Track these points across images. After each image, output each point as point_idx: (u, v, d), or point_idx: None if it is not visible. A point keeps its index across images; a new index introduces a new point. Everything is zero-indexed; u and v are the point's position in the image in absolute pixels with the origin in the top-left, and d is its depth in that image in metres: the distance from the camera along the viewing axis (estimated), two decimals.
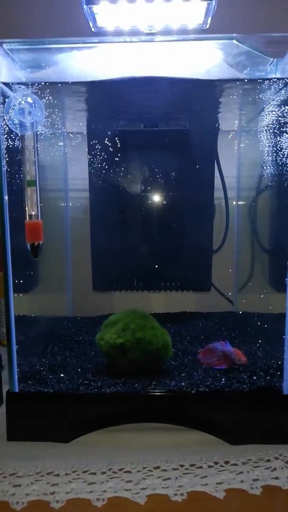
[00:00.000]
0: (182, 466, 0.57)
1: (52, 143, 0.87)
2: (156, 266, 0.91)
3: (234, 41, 0.55)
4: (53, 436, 0.62)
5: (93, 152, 0.84)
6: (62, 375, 0.68)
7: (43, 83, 0.59)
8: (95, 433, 0.63)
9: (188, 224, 0.91)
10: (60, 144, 0.90)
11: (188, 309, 1.03)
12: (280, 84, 0.61)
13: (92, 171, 0.86)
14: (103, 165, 0.85)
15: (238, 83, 0.60)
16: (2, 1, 1.01)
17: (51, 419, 0.62)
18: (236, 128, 0.95)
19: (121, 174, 0.86)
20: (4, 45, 0.57)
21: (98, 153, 0.83)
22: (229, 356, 0.70)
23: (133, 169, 0.86)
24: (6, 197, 0.59)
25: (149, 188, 0.89)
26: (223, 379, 0.65)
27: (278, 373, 0.65)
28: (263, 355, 0.74)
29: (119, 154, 0.83)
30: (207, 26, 0.79)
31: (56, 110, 0.68)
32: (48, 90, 0.60)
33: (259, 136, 0.76)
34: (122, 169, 0.86)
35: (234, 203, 1.01)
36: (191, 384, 0.64)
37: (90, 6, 0.73)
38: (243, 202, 1.01)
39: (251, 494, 0.52)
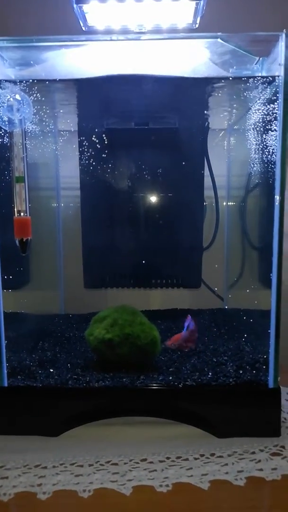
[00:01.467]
0: (168, 458, 0.57)
1: (43, 141, 0.87)
2: (147, 264, 0.92)
3: (219, 40, 0.56)
4: (42, 430, 0.63)
5: (83, 150, 0.84)
6: (51, 370, 0.68)
7: (31, 81, 0.59)
8: (83, 426, 0.64)
9: (179, 222, 0.91)
10: (51, 142, 0.90)
11: (179, 306, 1.04)
12: (265, 83, 0.61)
13: (83, 168, 0.87)
14: (94, 163, 0.85)
15: (223, 81, 0.61)
16: None
17: (40, 413, 0.63)
18: (226, 127, 0.96)
19: (112, 172, 0.87)
20: None
21: (89, 151, 0.84)
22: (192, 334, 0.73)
23: (123, 167, 0.87)
24: None
25: (139, 186, 0.89)
26: (210, 373, 0.66)
27: (264, 367, 0.66)
28: (250, 349, 0.75)
29: (109, 152, 0.84)
30: (196, 26, 0.80)
31: (45, 107, 0.68)
32: (36, 88, 0.60)
33: (247, 134, 0.77)
34: (113, 167, 0.86)
35: (224, 203, 1.02)
36: (179, 378, 0.64)
37: (80, 5, 0.74)
38: (233, 203, 1.02)
39: (235, 485, 0.53)
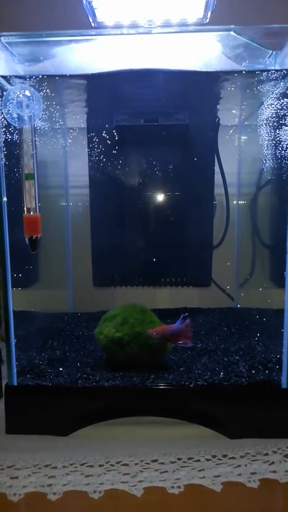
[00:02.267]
0: (179, 459, 0.57)
1: (52, 138, 0.87)
2: (156, 262, 0.91)
3: (232, 33, 0.55)
4: (51, 429, 0.62)
5: (93, 147, 0.83)
6: (61, 369, 0.68)
7: (40, 76, 0.59)
8: (93, 426, 0.63)
9: (189, 220, 0.90)
10: (60, 139, 0.90)
11: (189, 304, 1.03)
12: (279, 77, 0.60)
13: (92, 166, 0.86)
14: (103, 160, 0.85)
15: (236, 75, 0.60)
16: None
17: (50, 412, 0.63)
18: (236, 123, 0.95)
19: (121, 169, 0.86)
20: (2, 38, 0.57)
21: (98, 148, 0.83)
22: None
23: (133, 164, 0.86)
24: (4, 191, 0.59)
25: (149, 183, 0.88)
26: (221, 373, 0.65)
27: (277, 367, 0.64)
28: (262, 349, 0.73)
29: (119, 149, 0.83)
30: (207, 20, 0.78)
31: (54, 103, 0.68)
32: (46, 83, 0.60)
33: (259, 130, 0.76)
34: (122, 164, 0.85)
35: (235, 202, 1.00)
36: (190, 378, 0.63)
37: (89, 0, 0.73)
38: (243, 201, 1.01)
39: (249, 487, 0.52)
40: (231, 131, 0.96)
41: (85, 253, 0.95)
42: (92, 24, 0.80)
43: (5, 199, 0.60)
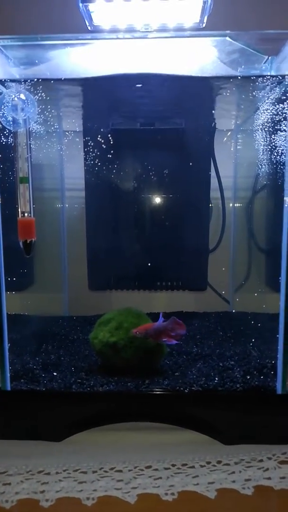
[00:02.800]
0: (173, 465, 0.56)
1: (48, 142, 0.87)
2: (152, 266, 0.91)
3: (228, 38, 0.55)
4: (45, 434, 0.62)
5: (88, 151, 0.83)
6: (55, 373, 0.67)
7: (36, 80, 0.59)
8: (87, 432, 0.63)
9: (185, 224, 0.90)
10: (56, 142, 0.89)
11: (185, 308, 1.02)
12: (274, 82, 0.60)
13: (88, 169, 0.86)
14: (99, 163, 0.84)
15: (232, 80, 0.60)
16: None
17: (43, 417, 0.62)
18: (232, 127, 0.95)
19: (117, 172, 0.86)
20: None
21: (94, 152, 0.83)
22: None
23: (129, 168, 0.86)
24: None
25: (145, 187, 0.88)
26: (216, 378, 0.64)
27: (272, 372, 0.64)
28: (257, 354, 0.73)
29: (115, 153, 0.83)
30: (204, 25, 0.79)
31: (49, 107, 0.67)
32: (41, 87, 0.60)
33: (255, 135, 0.76)
34: (118, 167, 0.85)
35: (231, 205, 1.00)
36: (184, 383, 0.63)
37: (85, 4, 0.73)
38: (239, 204, 1.01)
39: (243, 494, 0.51)
40: (227, 135, 0.96)
41: (80, 256, 0.95)
42: (89, 28, 0.80)
43: None
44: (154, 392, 0.62)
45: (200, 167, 0.87)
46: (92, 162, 0.84)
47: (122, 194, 0.88)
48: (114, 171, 0.86)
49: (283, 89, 0.59)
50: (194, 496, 0.51)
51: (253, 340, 0.79)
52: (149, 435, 0.62)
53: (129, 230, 0.91)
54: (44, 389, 0.63)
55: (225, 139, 0.95)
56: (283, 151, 0.62)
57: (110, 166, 0.85)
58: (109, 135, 0.81)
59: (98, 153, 0.83)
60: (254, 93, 0.65)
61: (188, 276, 0.92)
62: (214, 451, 0.59)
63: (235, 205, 1.01)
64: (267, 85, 0.62)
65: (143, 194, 0.89)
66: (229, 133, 0.96)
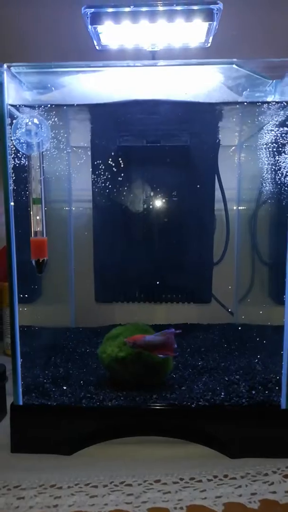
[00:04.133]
0: (182, 479, 0.58)
1: (57, 158, 0.88)
2: (157, 278, 0.93)
3: (234, 66, 0.57)
4: (56, 448, 0.63)
5: (96, 168, 0.85)
6: (65, 387, 0.69)
7: (49, 105, 0.61)
8: (97, 445, 0.64)
9: (189, 238, 0.92)
10: (64, 159, 0.91)
11: (189, 320, 1.04)
12: (278, 106, 0.62)
13: (96, 185, 0.88)
14: (107, 179, 0.86)
15: (237, 106, 0.62)
16: (6, 20, 1.03)
17: (54, 431, 0.64)
18: (236, 143, 0.97)
19: (124, 188, 0.88)
20: (11, 68, 0.58)
21: (102, 168, 0.85)
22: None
23: (135, 184, 0.88)
24: (12, 213, 0.61)
25: (151, 202, 0.90)
26: (222, 393, 0.66)
27: (277, 388, 0.66)
28: (262, 368, 0.75)
29: (122, 169, 0.85)
30: (209, 44, 0.81)
31: (62, 131, 0.69)
32: (54, 112, 0.62)
33: (259, 153, 0.78)
34: (125, 183, 0.87)
35: (235, 212, 1.02)
36: (191, 398, 0.65)
37: (94, 26, 0.75)
38: (243, 219, 1.03)
39: (249, 508, 0.53)
40: (231, 150, 0.98)
41: (87, 269, 0.97)
42: (97, 47, 0.82)
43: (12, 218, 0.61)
44: (162, 407, 0.64)
45: (204, 183, 0.89)
46: (99, 178, 0.86)
47: (128, 209, 0.90)
48: (120, 187, 0.88)
49: (287, 112, 0.61)
50: (202, 510, 0.53)
51: (257, 353, 0.81)
52: (157, 449, 0.64)
53: (135, 244, 0.93)
54: (55, 403, 0.64)
55: (229, 154, 0.97)
56: (287, 173, 0.64)
57: (117, 182, 0.87)
58: (116, 153, 0.83)
59: (106, 170, 0.85)
60: (258, 116, 0.67)
61: (193, 289, 0.94)
62: (220, 464, 0.61)
63: (239, 218, 1.03)
64: (271, 109, 0.63)
65: (148, 209, 0.91)
66: (233, 148, 0.98)
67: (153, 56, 0.79)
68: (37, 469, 0.60)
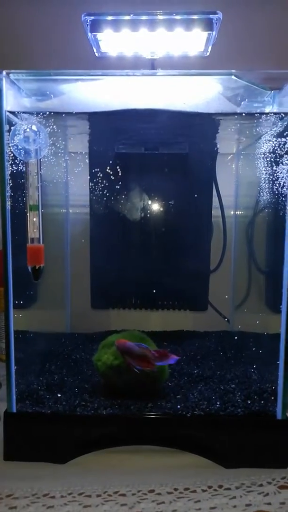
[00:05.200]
0: (176, 489, 0.57)
1: (55, 165, 0.89)
2: (154, 286, 0.93)
3: (233, 77, 0.57)
4: (49, 456, 0.63)
5: (94, 175, 0.85)
6: (59, 395, 0.69)
7: (47, 113, 0.61)
8: (90, 454, 0.64)
9: (186, 245, 0.92)
10: (62, 166, 0.91)
11: (185, 327, 1.04)
12: (276, 117, 0.63)
13: (93, 192, 0.88)
14: (104, 186, 0.86)
15: (236, 116, 0.62)
16: (6, 26, 1.04)
17: (48, 439, 0.63)
18: (234, 151, 0.97)
19: (121, 195, 0.88)
20: (10, 75, 0.58)
21: (99, 175, 0.85)
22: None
23: (133, 191, 0.88)
24: (9, 219, 0.61)
25: (148, 209, 0.91)
26: (217, 403, 0.66)
27: (272, 398, 0.66)
28: (257, 377, 0.75)
29: (119, 176, 0.85)
30: (208, 53, 0.81)
31: (60, 138, 0.70)
32: (52, 120, 0.62)
33: (256, 162, 0.78)
34: (123, 190, 0.87)
35: (232, 220, 1.02)
36: (186, 407, 0.65)
37: (94, 33, 0.75)
38: (240, 215, 1.03)
39: None
40: (229, 157, 0.99)
41: (83, 275, 0.97)
42: (96, 54, 0.82)
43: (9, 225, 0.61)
44: (156, 416, 0.63)
45: (202, 191, 0.90)
46: (97, 185, 0.86)
47: (125, 216, 0.90)
48: (118, 194, 0.88)
49: (286, 123, 0.61)
50: None
51: (253, 361, 0.81)
52: (151, 458, 0.64)
53: (131, 251, 0.93)
54: (49, 411, 0.64)
55: (226, 162, 0.97)
56: (285, 183, 0.65)
57: (114, 189, 0.87)
58: (114, 159, 0.84)
59: (103, 177, 0.85)
60: (256, 126, 0.67)
61: (189, 297, 0.94)
62: (215, 475, 0.60)
63: (236, 226, 1.03)
64: (270, 119, 0.64)
65: (146, 216, 0.91)
66: (231, 156, 0.98)
67: (152, 64, 0.80)
68: (30, 477, 0.59)
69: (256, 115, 0.62)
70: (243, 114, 0.62)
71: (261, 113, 0.61)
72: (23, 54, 0.98)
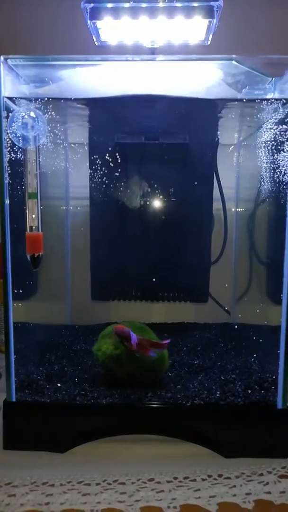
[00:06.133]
0: (175, 478, 0.57)
1: (54, 154, 0.88)
2: (154, 277, 0.92)
3: (234, 62, 0.57)
4: (49, 445, 0.63)
5: (94, 164, 0.85)
6: (59, 384, 0.68)
7: (46, 99, 0.60)
8: (90, 443, 0.64)
9: (187, 236, 0.92)
10: (61, 155, 0.91)
11: (186, 319, 1.04)
12: (279, 104, 0.62)
13: (93, 182, 0.87)
14: (104, 176, 0.86)
15: (236, 102, 0.62)
16: (5, 15, 1.03)
17: (48, 428, 0.63)
18: (235, 142, 0.96)
19: (121, 185, 0.87)
20: (8, 60, 0.58)
21: (99, 165, 0.85)
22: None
23: (133, 181, 0.87)
24: (7, 208, 0.60)
25: (148, 199, 0.90)
26: (217, 392, 0.65)
27: (273, 387, 0.65)
28: (258, 368, 0.74)
29: (119, 166, 0.85)
30: (208, 42, 0.81)
31: (59, 124, 0.69)
32: (51, 106, 0.61)
33: (257, 152, 0.78)
34: (123, 180, 0.87)
35: (233, 211, 1.02)
36: (186, 396, 0.64)
37: (94, 21, 0.75)
38: (241, 209, 1.02)
39: (244, 508, 0.52)
40: (230, 148, 0.98)
41: (84, 266, 0.96)
42: (96, 43, 0.82)
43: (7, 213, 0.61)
44: (156, 406, 0.63)
45: (203, 181, 0.89)
46: (97, 175, 0.86)
47: (125, 207, 0.90)
48: (118, 184, 0.87)
49: (287, 110, 0.60)
50: (196, 509, 0.52)
51: (253, 352, 0.80)
52: (151, 447, 0.63)
53: (132, 242, 0.92)
54: (48, 400, 0.64)
55: (227, 153, 0.96)
56: (286, 171, 0.64)
57: (114, 179, 0.86)
58: (114, 149, 0.83)
59: (103, 167, 0.84)
60: (257, 113, 0.66)
61: (190, 288, 0.94)
62: (215, 464, 0.60)
63: (238, 217, 1.03)
64: (270, 106, 0.63)
65: (146, 207, 0.90)
66: (232, 147, 0.98)
67: (152, 53, 0.79)
68: (29, 466, 0.59)
69: (257, 101, 0.61)
70: (244, 100, 0.61)
71: (263, 99, 0.60)
72: (21, 44, 0.98)
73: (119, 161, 0.84)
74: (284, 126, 0.61)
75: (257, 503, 0.53)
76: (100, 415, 0.63)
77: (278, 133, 0.67)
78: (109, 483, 0.56)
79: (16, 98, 0.60)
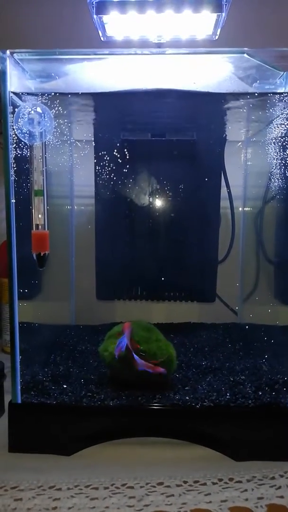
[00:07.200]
0: (185, 482, 0.56)
1: (59, 152, 0.87)
2: (161, 276, 0.91)
3: (245, 55, 0.55)
4: (55, 448, 0.61)
5: (100, 161, 0.83)
6: (64, 386, 0.67)
7: (52, 94, 0.59)
8: (97, 446, 0.62)
9: (194, 235, 0.91)
10: (67, 152, 0.90)
11: (192, 319, 1.02)
12: None
13: (99, 179, 0.86)
14: (110, 174, 0.85)
15: (248, 96, 0.60)
16: (10, 10, 1.02)
17: (53, 431, 0.62)
18: (243, 139, 0.95)
19: (128, 183, 0.86)
20: (14, 55, 0.56)
21: (105, 162, 0.83)
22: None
23: (139, 178, 0.86)
24: (13, 206, 0.59)
25: (155, 197, 0.89)
26: (227, 394, 0.64)
27: (284, 389, 0.64)
28: (268, 369, 0.73)
29: (125, 163, 0.83)
30: (216, 37, 0.79)
31: (65, 120, 0.68)
32: (57, 101, 0.60)
33: (267, 148, 0.76)
34: (129, 178, 0.85)
35: (241, 210, 1.00)
36: (195, 398, 0.63)
37: (100, 16, 0.73)
38: (249, 209, 1.01)
39: None
40: (238, 145, 0.96)
41: (88, 265, 0.95)
42: (102, 38, 0.80)
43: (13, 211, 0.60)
44: (165, 408, 0.62)
45: (210, 179, 0.87)
46: (103, 172, 0.84)
47: (131, 205, 0.89)
48: (124, 181, 0.86)
49: None
50: None
51: (263, 353, 0.79)
52: (160, 450, 0.62)
53: (138, 241, 0.91)
54: (54, 402, 0.62)
55: (235, 149, 0.95)
56: None
57: (120, 177, 0.85)
58: (120, 146, 0.82)
59: (109, 164, 0.83)
60: (268, 108, 0.65)
61: (197, 288, 0.92)
62: (225, 467, 0.59)
63: (245, 215, 1.01)
64: (282, 101, 0.62)
65: (152, 205, 0.89)
66: (240, 143, 0.96)
67: (159, 48, 0.78)
68: (36, 469, 0.58)
69: (269, 95, 0.59)
70: (256, 94, 0.60)
71: (276, 93, 0.58)
72: (26, 40, 0.96)
73: (125, 158, 0.83)
74: None
75: (269, 508, 0.52)
76: (107, 417, 0.62)
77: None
78: (118, 487, 0.55)
79: (22, 93, 0.58)
